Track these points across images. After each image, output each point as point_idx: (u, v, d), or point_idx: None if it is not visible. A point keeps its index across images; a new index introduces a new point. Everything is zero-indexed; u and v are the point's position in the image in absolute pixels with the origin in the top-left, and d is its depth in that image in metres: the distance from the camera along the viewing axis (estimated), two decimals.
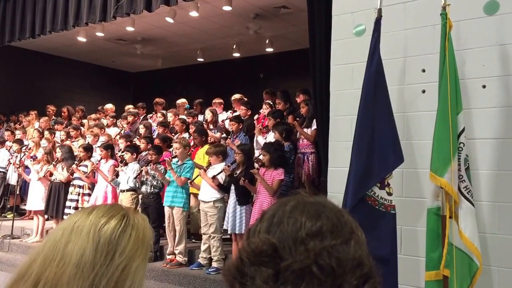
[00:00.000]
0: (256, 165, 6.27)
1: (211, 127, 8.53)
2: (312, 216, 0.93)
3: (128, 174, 7.26)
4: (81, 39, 11.69)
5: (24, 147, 9.78)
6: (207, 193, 6.56)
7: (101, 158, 8.06)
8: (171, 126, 9.30)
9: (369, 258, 0.93)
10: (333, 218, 0.94)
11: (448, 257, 3.23)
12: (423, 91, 3.97)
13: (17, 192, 9.59)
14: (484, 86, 3.72)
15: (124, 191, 7.34)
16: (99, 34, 11.40)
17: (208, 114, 8.69)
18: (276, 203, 1.00)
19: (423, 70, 3.98)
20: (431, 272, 3.32)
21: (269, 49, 12.15)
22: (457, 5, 3.65)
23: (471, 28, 3.79)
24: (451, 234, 3.26)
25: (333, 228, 0.92)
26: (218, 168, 6.53)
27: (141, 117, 10.67)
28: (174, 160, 6.97)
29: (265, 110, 8.14)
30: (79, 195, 8.07)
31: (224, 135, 8.09)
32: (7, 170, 10.25)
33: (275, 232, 0.93)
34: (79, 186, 8.11)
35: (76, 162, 8.26)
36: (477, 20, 3.77)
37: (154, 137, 8.67)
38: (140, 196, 7.36)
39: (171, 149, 7.65)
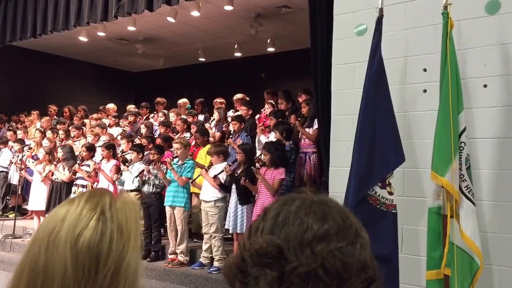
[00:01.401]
0: (257, 164, 6.27)
1: (212, 125, 8.54)
2: (319, 218, 0.92)
3: (134, 174, 7.26)
4: (83, 38, 11.69)
5: (26, 147, 9.79)
6: (208, 192, 6.57)
7: (103, 158, 8.07)
8: (173, 126, 9.30)
9: (372, 260, 0.92)
10: (338, 220, 0.92)
11: (449, 256, 3.23)
12: (424, 91, 3.98)
13: (19, 192, 9.60)
14: (485, 86, 3.72)
15: (128, 191, 7.35)
16: (101, 33, 11.40)
17: (215, 114, 8.68)
18: (280, 201, 0.98)
19: (425, 70, 3.98)
20: (432, 271, 3.32)
21: (271, 49, 12.15)
22: (459, 4, 3.65)
23: (472, 28, 3.79)
24: (452, 233, 3.27)
25: (338, 230, 0.91)
26: (219, 168, 6.53)
27: (144, 117, 10.68)
28: (175, 160, 6.97)
29: (267, 109, 8.14)
30: None
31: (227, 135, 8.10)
32: (9, 170, 10.25)
33: (280, 233, 0.91)
34: (82, 186, 8.12)
35: (78, 161, 8.27)
36: (479, 20, 3.78)
37: (155, 136, 8.67)
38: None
39: (172, 149, 7.65)
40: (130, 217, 1.12)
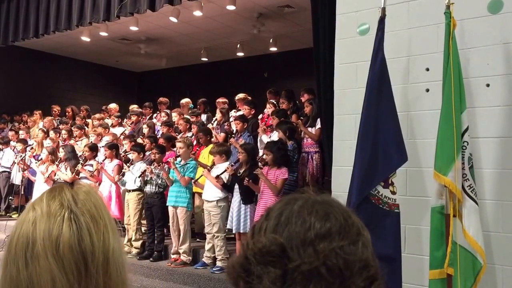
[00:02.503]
0: (259, 164, 6.27)
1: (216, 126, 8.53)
2: (321, 217, 0.93)
3: (135, 174, 7.27)
4: (85, 38, 11.70)
5: (29, 147, 9.81)
6: (210, 192, 6.57)
7: (106, 158, 8.08)
8: (175, 125, 9.31)
9: (374, 259, 0.93)
10: (340, 219, 0.93)
11: (452, 256, 3.23)
12: (427, 90, 3.97)
13: (22, 192, 9.61)
14: (488, 85, 3.72)
15: (130, 190, 7.36)
16: (103, 33, 11.41)
17: (218, 114, 8.70)
18: (282, 201, 0.99)
19: (427, 69, 3.98)
20: (435, 271, 3.32)
21: (273, 49, 12.15)
22: (461, 4, 3.65)
23: (475, 27, 3.79)
24: (455, 232, 3.27)
25: (340, 229, 0.92)
26: (222, 168, 6.54)
27: (148, 117, 10.70)
28: (177, 159, 6.97)
29: (269, 109, 8.14)
30: None
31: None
32: (11, 170, 10.27)
33: (283, 232, 0.92)
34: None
35: (81, 161, 8.29)
36: (481, 19, 3.77)
37: (158, 136, 8.68)
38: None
39: (175, 148, 7.66)
40: (98, 204, 1.08)
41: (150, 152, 7.65)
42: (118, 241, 1.08)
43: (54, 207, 1.04)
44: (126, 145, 8.68)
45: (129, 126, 10.29)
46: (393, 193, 3.45)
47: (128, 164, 7.64)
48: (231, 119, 8.50)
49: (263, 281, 0.89)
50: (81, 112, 11.89)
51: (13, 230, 1.05)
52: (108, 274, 1.02)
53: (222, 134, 8.20)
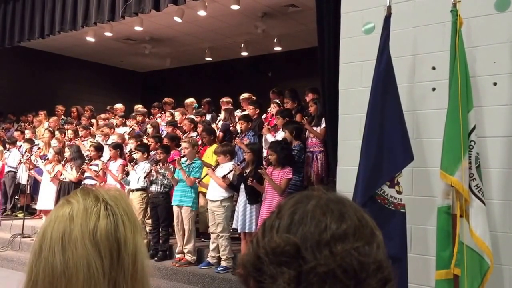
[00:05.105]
0: (264, 164, 6.25)
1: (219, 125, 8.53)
2: (336, 218, 0.91)
3: (139, 174, 7.27)
4: (90, 39, 11.72)
5: (36, 147, 9.84)
6: (215, 192, 6.56)
7: (110, 158, 8.09)
8: (179, 125, 9.31)
9: (387, 260, 0.92)
10: (355, 219, 0.92)
11: (458, 256, 3.21)
12: (433, 89, 3.95)
13: (28, 192, 9.64)
14: (495, 84, 3.69)
15: (133, 190, 7.35)
16: (108, 34, 11.44)
17: (222, 114, 8.68)
18: (294, 199, 0.97)
19: (433, 68, 3.96)
20: (441, 271, 3.30)
21: (277, 48, 12.14)
22: (468, 2, 3.62)
23: (482, 25, 3.76)
24: (461, 233, 3.24)
25: (355, 230, 0.90)
26: (226, 167, 6.52)
27: (157, 117, 10.72)
28: (183, 159, 6.97)
29: (273, 109, 8.12)
30: None
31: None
32: (17, 170, 10.30)
33: (296, 232, 0.90)
34: (91, 185, 8.14)
35: (86, 161, 8.30)
36: (488, 17, 3.75)
37: (163, 136, 8.68)
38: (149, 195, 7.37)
39: (179, 148, 7.66)
40: (128, 204, 1.15)
41: (155, 152, 7.65)
42: (144, 243, 1.16)
43: (90, 200, 1.11)
44: (131, 145, 8.69)
45: (135, 126, 10.30)
46: (399, 192, 3.43)
47: (132, 164, 7.64)
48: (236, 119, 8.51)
49: (277, 281, 0.87)
50: (85, 112, 11.92)
51: (47, 221, 1.11)
52: (135, 268, 1.08)
53: (221, 133, 8.20)
